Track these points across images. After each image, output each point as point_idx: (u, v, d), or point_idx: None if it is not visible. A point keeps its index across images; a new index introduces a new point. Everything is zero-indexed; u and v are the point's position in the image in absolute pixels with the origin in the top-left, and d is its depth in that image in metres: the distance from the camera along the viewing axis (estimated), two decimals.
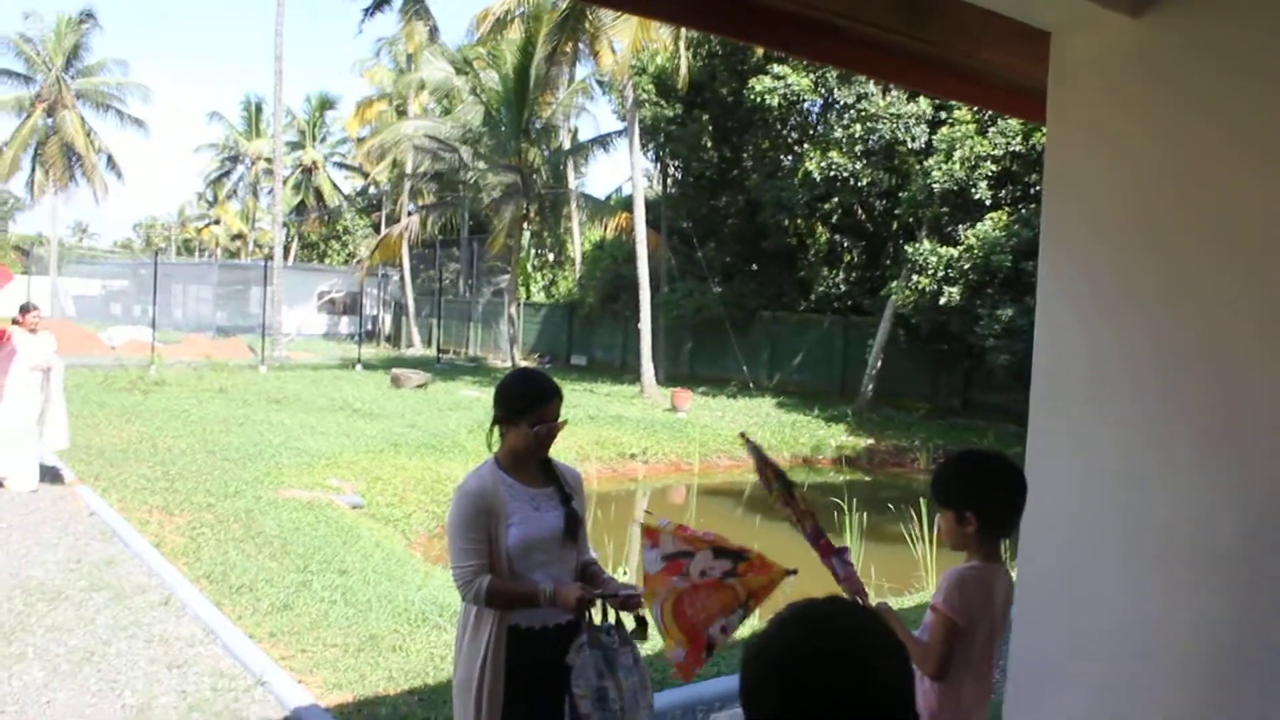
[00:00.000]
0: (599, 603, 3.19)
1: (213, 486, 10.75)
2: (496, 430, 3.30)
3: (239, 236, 66.24)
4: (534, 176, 30.04)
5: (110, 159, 46.33)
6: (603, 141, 31.09)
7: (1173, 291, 3.25)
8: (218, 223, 68.75)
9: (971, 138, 20.31)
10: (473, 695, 3.13)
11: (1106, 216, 3.44)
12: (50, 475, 10.43)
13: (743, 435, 3.10)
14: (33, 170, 44.92)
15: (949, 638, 2.66)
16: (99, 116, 45.61)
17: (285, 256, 41.63)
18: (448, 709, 3.33)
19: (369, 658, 5.94)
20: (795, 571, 2.59)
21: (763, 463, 2.69)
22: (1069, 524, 3.46)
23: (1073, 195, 3.59)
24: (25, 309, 10.04)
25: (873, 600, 2.84)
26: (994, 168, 20.24)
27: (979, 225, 20.14)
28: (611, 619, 3.21)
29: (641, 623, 3.18)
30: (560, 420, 3.27)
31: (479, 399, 21.36)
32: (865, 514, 11.21)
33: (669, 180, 30.68)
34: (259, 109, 56.45)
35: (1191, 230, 3.20)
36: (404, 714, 5.09)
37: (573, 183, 34.37)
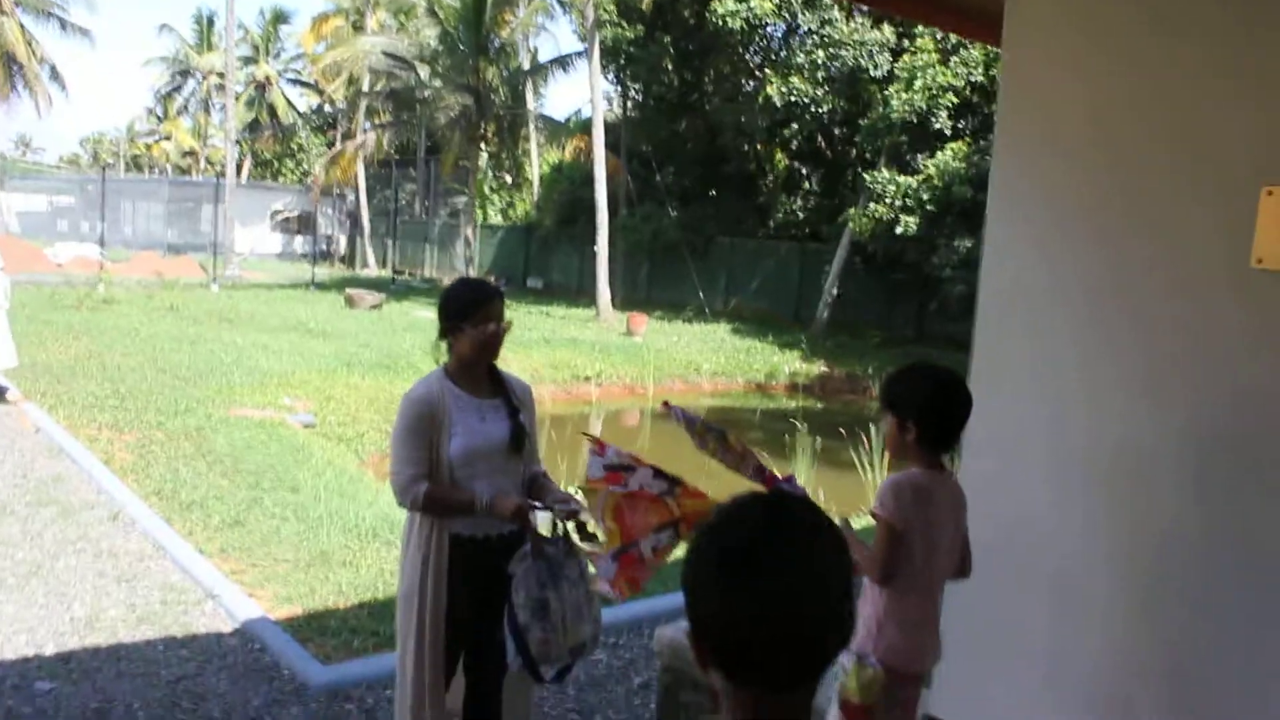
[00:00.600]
0: (549, 514, 3.19)
1: (163, 404, 10.64)
2: (444, 345, 3.29)
3: (190, 153, 64.66)
4: (492, 96, 29.55)
5: (54, 69, 44.78)
6: (562, 62, 30.55)
7: (1133, 214, 3.21)
8: (168, 139, 67.00)
9: (933, 67, 20.23)
10: (415, 605, 3.14)
11: (1065, 135, 3.38)
12: None
13: (665, 404, 3.11)
14: None
15: (890, 542, 2.72)
16: (40, 24, 43.85)
17: (238, 174, 40.77)
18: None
19: (319, 572, 5.96)
20: None
21: (690, 422, 2.71)
22: (1012, 444, 3.50)
23: (1030, 114, 3.52)
24: None
25: None
26: (954, 98, 20.23)
27: (938, 155, 20.16)
28: (560, 530, 3.22)
29: (583, 531, 3.20)
30: (505, 321, 3.24)
31: (433, 320, 21.14)
32: (817, 439, 11.33)
33: (629, 103, 30.32)
34: (211, 22, 54.74)
35: (1155, 144, 3.15)
36: (353, 626, 5.13)
37: (531, 104, 33.82)
